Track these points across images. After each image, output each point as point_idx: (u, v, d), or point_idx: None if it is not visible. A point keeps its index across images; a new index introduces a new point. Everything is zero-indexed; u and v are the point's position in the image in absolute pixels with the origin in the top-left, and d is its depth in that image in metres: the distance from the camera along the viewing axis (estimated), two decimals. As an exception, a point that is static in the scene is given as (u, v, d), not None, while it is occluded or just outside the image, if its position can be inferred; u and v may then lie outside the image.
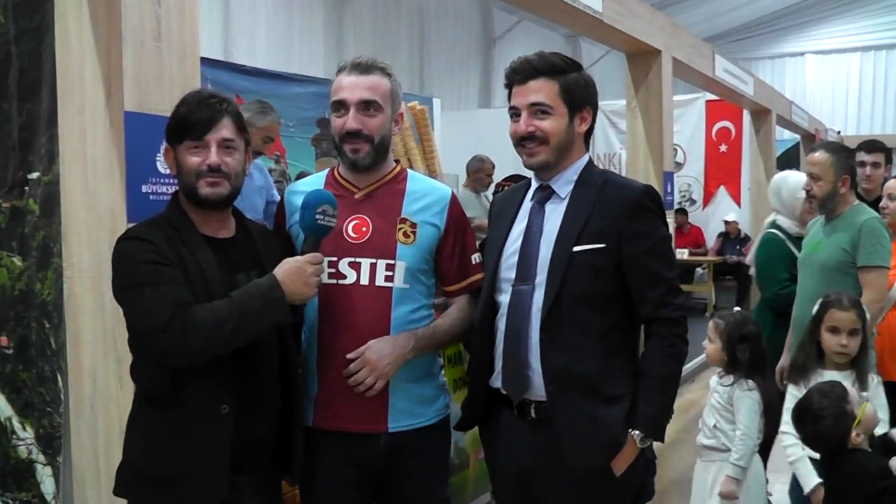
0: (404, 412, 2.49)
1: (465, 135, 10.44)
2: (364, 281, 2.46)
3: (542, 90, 2.44)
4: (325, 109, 7.97)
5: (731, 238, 12.34)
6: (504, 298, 2.50)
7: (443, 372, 2.85)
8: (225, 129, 2.24)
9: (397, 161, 2.70)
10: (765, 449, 3.79)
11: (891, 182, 4.48)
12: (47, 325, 2.95)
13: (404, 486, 2.53)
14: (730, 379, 3.54)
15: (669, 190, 7.28)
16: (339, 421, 2.45)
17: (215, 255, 2.22)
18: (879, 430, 3.06)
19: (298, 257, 2.24)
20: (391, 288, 2.46)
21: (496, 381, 2.52)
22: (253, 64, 9.01)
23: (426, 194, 2.58)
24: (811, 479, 3.20)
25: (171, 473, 2.17)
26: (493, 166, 8.10)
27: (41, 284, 2.94)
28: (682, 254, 11.86)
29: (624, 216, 2.41)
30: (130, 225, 2.38)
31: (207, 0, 10.30)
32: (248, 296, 2.14)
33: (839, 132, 17.34)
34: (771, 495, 3.95)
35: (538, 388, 2.42)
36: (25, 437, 3.01)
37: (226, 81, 7.38)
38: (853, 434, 2.85)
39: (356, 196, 2.53)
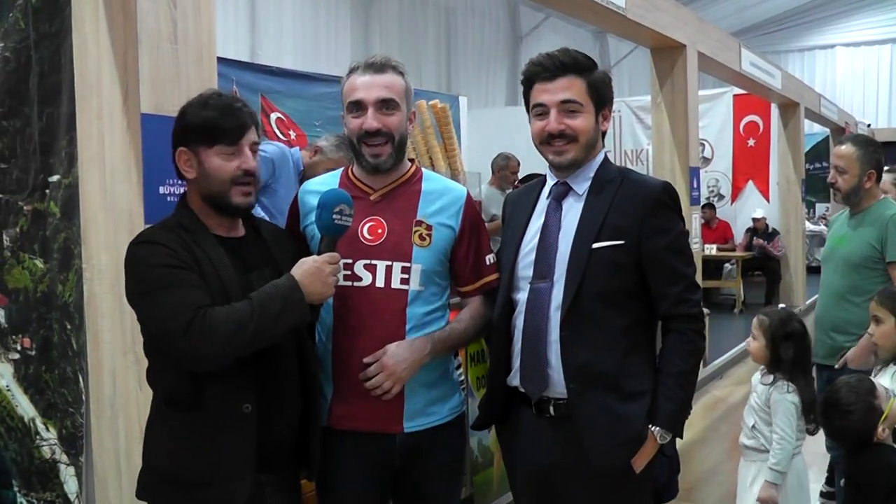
0: (419, 413, 2.48)
1: (492, 133, 10.45)
2: (380, 283, 2.44)
3: (571, 87, 2.41)
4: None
5: (759, 233, 12.22)
6: (521, 296, 2.48)
7: (460, 371, 2.84)
8: (252, 133, 2.24)
9: (411, 160, 2.68)
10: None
11: None
12: (69, 327, 2.96)
13: (422, 485, 2.53)
14: (770, 378, 3.48)
15: (696, 185, 7.23)
16: (354, 421, 2.44)
17: (228, 255, 2.21)
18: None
19: (316, 257, 2.23)
20: (407, 290, 2.45)
21: (514, 380, 2.50)
22: (279, 64, 9.05)
23: (442, 195, 2.55)
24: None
25: (195, 475, 2.16)
26: (519, 164, 8.01)
27: (63, 286, 2.96)
28: (711, 249, 11.74)
29: (644, 213, 2.39)
30: (148, 226, 2.38)
31: (234, 1, 10.35)
32: (267, 297, 2.12)
33: (869, 125, 17.16)
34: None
35: (558, 386, 2.40)
36: (49, 438, 3.03)
37: (251, 82, 7.37)
38: (879, 429, 2.82)
39: (371, 198, 2.51)
